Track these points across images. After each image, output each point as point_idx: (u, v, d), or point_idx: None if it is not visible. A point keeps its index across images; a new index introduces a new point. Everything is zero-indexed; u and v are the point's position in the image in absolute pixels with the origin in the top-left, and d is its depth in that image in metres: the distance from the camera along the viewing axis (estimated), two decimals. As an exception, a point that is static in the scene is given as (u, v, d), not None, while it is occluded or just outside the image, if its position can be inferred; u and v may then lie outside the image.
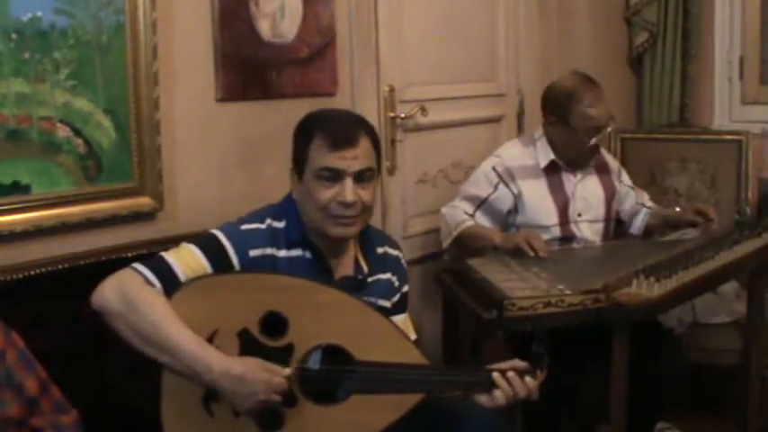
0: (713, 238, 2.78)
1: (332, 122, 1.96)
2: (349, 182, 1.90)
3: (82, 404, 1.83)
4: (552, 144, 2.89)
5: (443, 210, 2.95)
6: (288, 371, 1.78)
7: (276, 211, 2.00)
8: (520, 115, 3.54)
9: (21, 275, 1.97)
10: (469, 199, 2.90)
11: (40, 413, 1.75)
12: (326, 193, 1.91)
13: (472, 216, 2.88)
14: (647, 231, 3.07)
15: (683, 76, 4.01)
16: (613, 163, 3.11)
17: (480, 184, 2.90)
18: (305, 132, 1.97)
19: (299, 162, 1.96)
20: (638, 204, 3.08)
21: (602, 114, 2.80)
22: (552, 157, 2.89)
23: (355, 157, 1.91)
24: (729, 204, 3.63)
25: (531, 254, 2.64)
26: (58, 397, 1.79)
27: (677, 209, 3.03)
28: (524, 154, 2.92)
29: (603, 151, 3.04)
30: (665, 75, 3.99)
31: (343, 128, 1.94)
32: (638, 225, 3.06)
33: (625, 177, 3.12)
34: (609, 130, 2.86)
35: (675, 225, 3.01)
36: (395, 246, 2.16)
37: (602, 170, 3.00)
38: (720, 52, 4.06)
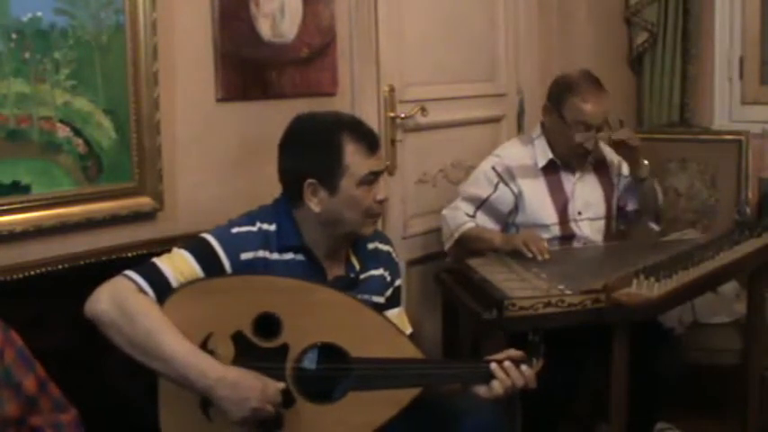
0: (713, 238, 2.78)
1: (355, 126, 1.97)
2: (381, 180, 1.97)
3: (82, 404, 1.83)
4: (549, 142, 2.89)
5: (444, 212, 2.95)
6: (282, 385, 1.78)
7: (266, 213, 2.00)
8: (520, 115, 3.53)
9: (21, 275, 1.97)
10: (470, 199, 2.90)
11: (39, 412, 1.75)
12: (369, 197, 1.94)
13: (473, 217, 2.87)
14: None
15: (683, 76, 4.00)
16: (612, 156, 3.07)
17: (480, 183, 2.90)
18: (328, 144, 1.93)
19: (332, 176, 1.92)
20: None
21: (595, 113, 2.77)
22: (550, 156, 2.88)
23: (381, 156, 2.00)
24: (729, 204, 3.63)
25: (530, 256, 2.65)
26: (58, 395, 1.79)
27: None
28: (523, 153, 2.92)
29: (602, 145, 3.01)
30: (665, 75, 3.99)
31: (367, 129, 1.98)
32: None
33: (625, 169, 3.10)
34: (602, 134, 2.84)
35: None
36: (386, 241, 2.16)
37: (601, 167, 2.99)
38: (720, 52, 4.05)
